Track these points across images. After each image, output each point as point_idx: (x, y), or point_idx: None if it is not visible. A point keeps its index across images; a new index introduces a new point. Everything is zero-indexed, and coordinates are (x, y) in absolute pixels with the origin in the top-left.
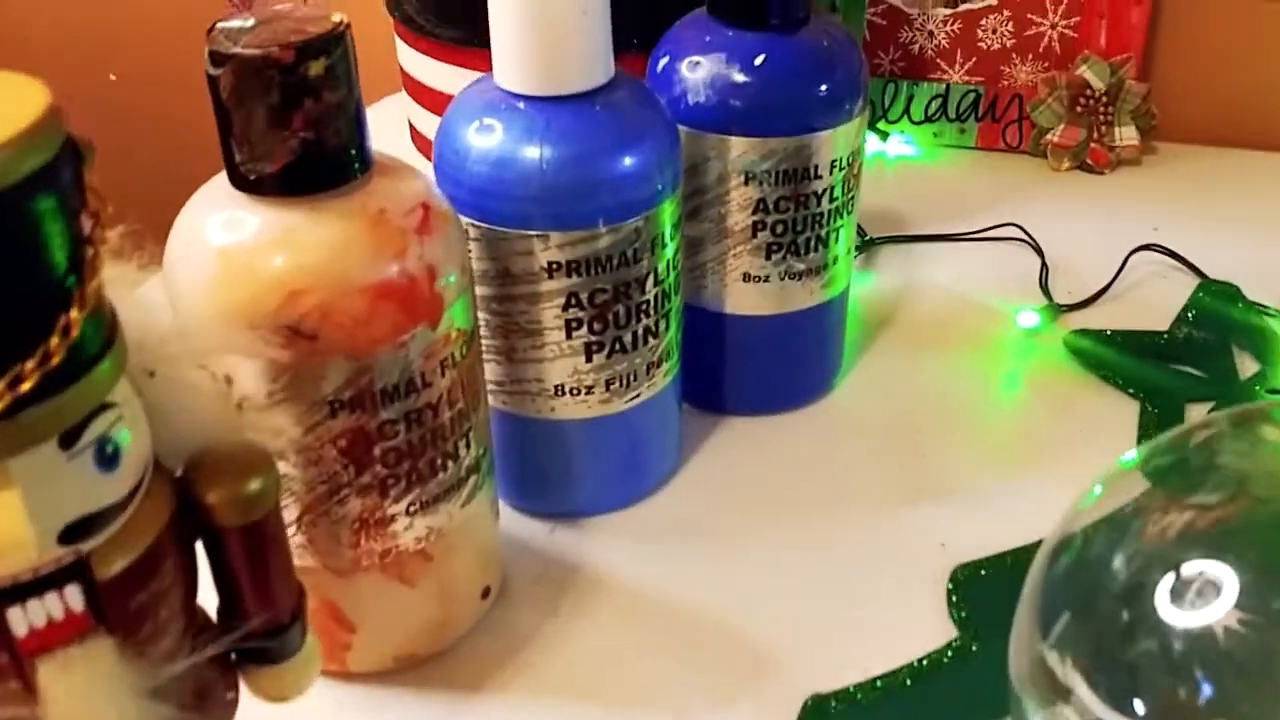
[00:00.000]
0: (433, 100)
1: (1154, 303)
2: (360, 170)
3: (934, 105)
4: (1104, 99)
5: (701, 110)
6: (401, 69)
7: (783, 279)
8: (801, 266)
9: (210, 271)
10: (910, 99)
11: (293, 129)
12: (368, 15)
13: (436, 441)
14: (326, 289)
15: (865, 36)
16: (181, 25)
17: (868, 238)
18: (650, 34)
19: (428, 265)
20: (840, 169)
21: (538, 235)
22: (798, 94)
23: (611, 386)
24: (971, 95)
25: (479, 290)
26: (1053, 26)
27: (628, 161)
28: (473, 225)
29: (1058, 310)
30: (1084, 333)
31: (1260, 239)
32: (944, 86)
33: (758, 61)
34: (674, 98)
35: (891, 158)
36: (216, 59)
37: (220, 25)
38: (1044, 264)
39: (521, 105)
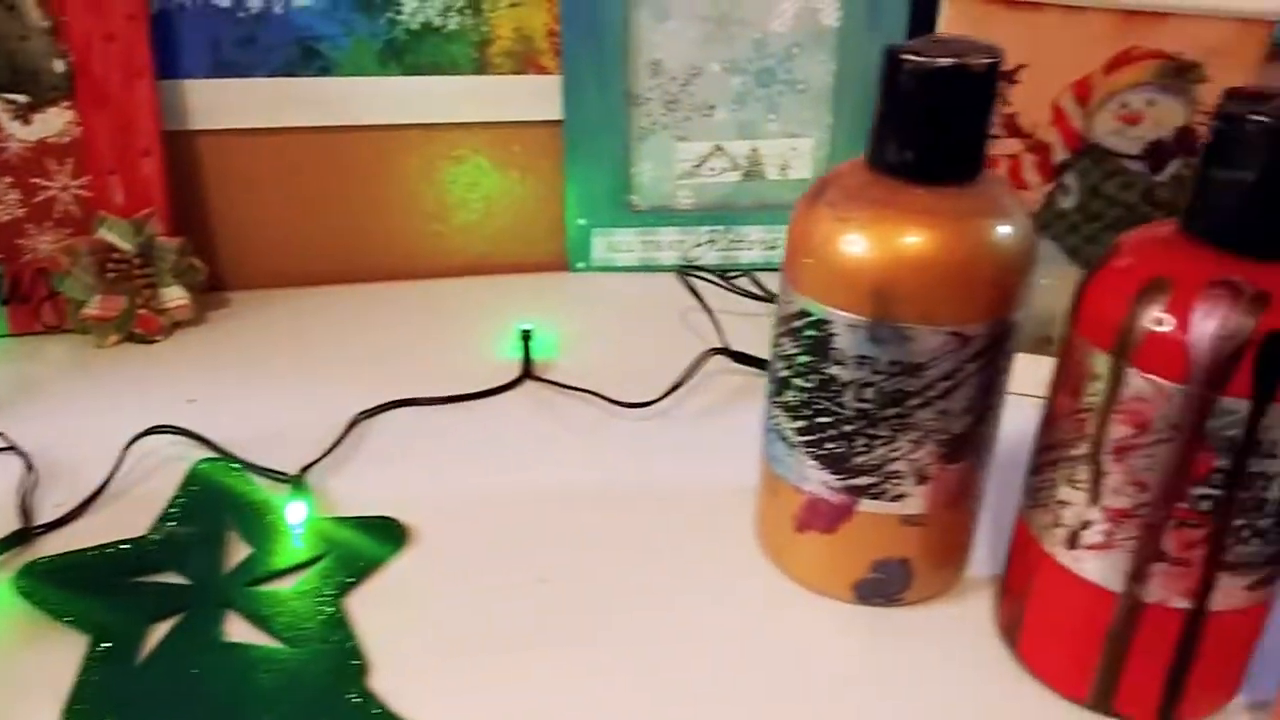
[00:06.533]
0: None
1: (161, 496)
2: None
3: None
4: (138, 260)
5: None
6: None
7: None
8: None
9: None
10: None
11: None
12: None
13: None
14: None
15: None
16: None
17: None
18: None
19: None
20: None
21: None
22: None
23: None
24: None
25: None
26: (64, 189)
27: None
28: None
29: (25, 535)
30: (38, 565)
31: (294, 391)
32: None
33: None
34: None
35: None
36: None
37: None
38: (34, 474)
39: None
